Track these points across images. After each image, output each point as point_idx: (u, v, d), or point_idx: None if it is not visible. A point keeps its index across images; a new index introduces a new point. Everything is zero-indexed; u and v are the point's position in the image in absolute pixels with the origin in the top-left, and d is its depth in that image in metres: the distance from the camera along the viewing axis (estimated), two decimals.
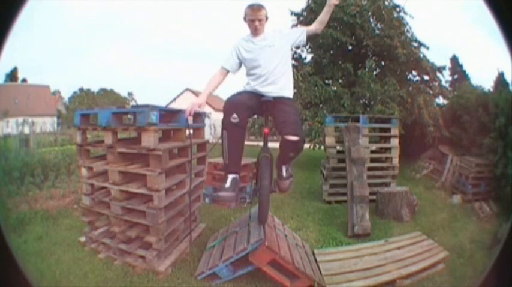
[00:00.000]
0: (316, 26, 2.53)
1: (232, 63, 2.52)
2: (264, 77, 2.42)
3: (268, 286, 2.31)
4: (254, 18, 2.37)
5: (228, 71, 2.53)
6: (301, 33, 2.52)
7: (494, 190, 4.50)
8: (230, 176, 2.33)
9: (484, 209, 4.20)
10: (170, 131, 2.98)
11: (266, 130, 2.50)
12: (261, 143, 2.61)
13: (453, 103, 6.60)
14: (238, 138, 2.31)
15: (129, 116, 3.01)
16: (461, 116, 5.89)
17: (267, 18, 2.45)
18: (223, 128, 2.27)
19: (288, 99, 2.48)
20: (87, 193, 2.82)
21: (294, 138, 2.20)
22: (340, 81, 6.73)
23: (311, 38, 6.74)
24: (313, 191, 4.90)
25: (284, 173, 2.47)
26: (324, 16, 2.50)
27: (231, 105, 2.26)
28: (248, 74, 2.53)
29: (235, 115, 2.20)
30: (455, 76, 7.88)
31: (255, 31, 2.43)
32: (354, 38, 6.72)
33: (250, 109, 2.37)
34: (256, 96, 2.43)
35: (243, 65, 2.55)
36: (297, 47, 2.64)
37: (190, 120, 2.58)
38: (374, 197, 3.85)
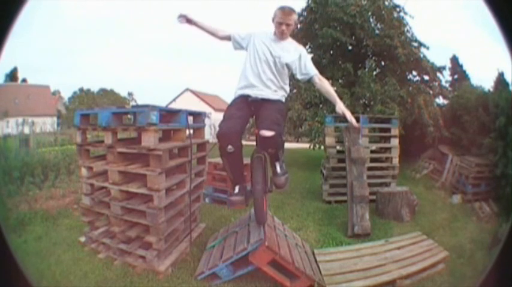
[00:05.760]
0: (318, 83, 2.48)
1: (239, 40, 2.51)
2: (258, 80, 2.39)
3: (268, 286, 2.31)
4: (282, 22, 2.33)
5: (229, 38, 2.54)
6: (309, 71, 2.44)
7: (494, 190, 4.50)
8: (237, 186, 2.42)
9: (484, 209, 4.20)
10: (170, 131, 2.98)
11: (257, 131, 2.49)
12: None
13: (453, 103, 6.60)
14: (238, 160, 2.34)
15: (129, 116, 3.02)
16: (461, 116, 5.89)
17: (295, 24, 2.41)
18: (221, 155, 2.30)
19: (276, 100, 2.44)
20: (87, 193, 2.82)
21: (268, 133, 2.18)
22: (340, 81, 6.73)
23: (311, 39, 6.75)
24: (313, 191, 4.90)
25: (279, 170, 2.45)
26: (328, 94, 2.50)
27: (224, 138, 2.23)
28: (242, 75, 2.48)
29: (230, 147, 2.21)
30: (455, 76, 7.89)
31: (281, 35, 2.38)
32: (353, 38, 6.72)
33: (243, 125, 2.35)
34: (246, 99, 2.41)
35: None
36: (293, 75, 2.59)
37: (190, 121, 2.58)
38: (374, 197, 3.85)
